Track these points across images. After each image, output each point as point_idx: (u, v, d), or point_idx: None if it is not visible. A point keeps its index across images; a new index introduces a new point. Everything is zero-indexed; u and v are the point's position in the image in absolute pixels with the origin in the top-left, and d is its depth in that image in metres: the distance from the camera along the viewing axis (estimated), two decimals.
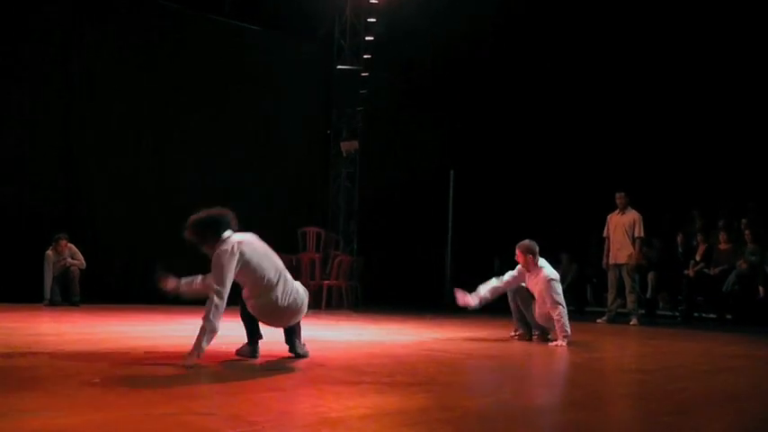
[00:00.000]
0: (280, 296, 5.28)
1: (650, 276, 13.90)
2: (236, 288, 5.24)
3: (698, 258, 13.58)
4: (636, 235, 11.67)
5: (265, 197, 14.33)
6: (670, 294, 14.37)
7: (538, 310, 7.62)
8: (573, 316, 13.75)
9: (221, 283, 5.00)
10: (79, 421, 3.05)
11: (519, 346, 7.28)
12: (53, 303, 11.40)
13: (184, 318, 9.27)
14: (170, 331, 7.51)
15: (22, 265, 11.61)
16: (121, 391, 3.85)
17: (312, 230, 13.77)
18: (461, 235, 16.52)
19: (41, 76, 12.45)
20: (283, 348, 5.52)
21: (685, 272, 13.51)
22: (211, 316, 4.88)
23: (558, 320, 7.34)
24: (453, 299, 7.63)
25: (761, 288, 12.39)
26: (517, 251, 7.64)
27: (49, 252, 11.59)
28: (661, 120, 15.90)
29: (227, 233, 5.30)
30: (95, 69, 12.95)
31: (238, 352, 5.48)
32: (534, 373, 5.51)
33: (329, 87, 15.64)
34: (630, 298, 11.70)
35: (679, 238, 14.57)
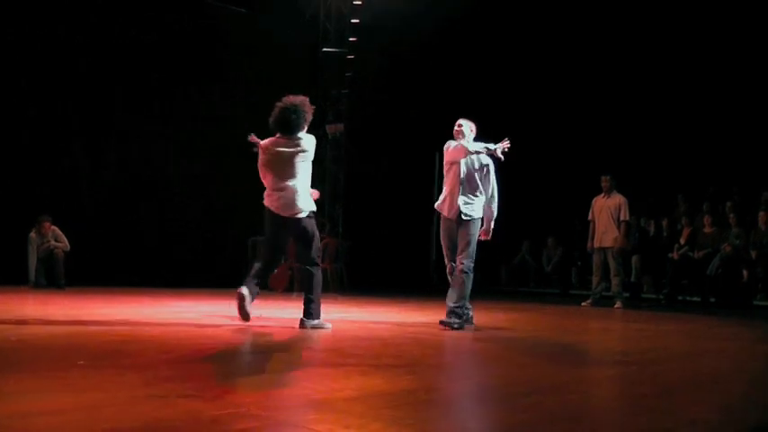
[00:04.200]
0: None
1: (634, 260, 13.96)
2: None
3: (682, 242, 13.64)
4: (621, 218, 11.69)
5: (250, 180, 14.28)
6: (654, 278, 14.44)
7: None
8: (558, 299, 13.89)
9: None
10: (64, 403, 3.05)
11: (503, 330, 7.30)
12: (38, 286, 11.36)
13: (170, 301, 9.28)
14: (156, 314, 7.50)
15: (5, 248, 11.57)
16: (107, 373, 3.85)
17: None
18: None
19: (24, 57, 12.41)
20: (264, 330, 5.50)
21: (670, 255, 13.57)
22: None
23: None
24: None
25: (744, 271, 12.47)
26: None
27: (32, 234, 11.54)
28: (646, 104, 15.94)
29: None
30: (80, 52, 12.91)
31: None
32: (518, 356, 5.52)
33: (315, 70, 15.59)
34: (615, 281, 11.74)
35: (664, 222, 14.64)
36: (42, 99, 12.57)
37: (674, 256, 13.47)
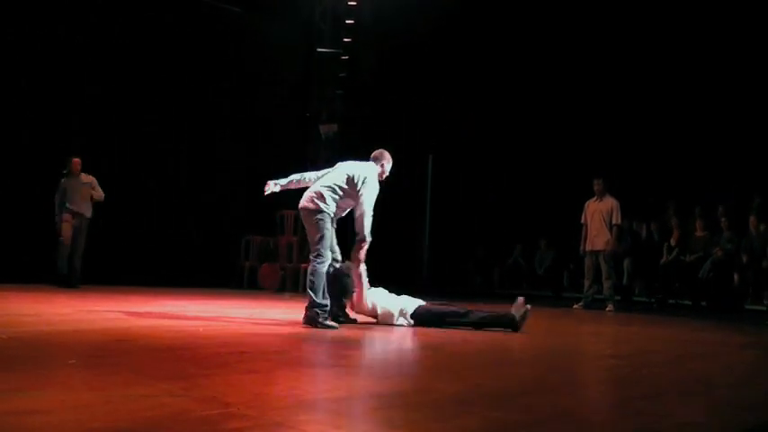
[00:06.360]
0: None
1: (626, 263, 13.99)
2: None
3: (672, 243, 13.67)
4: (613, 222, 11.73)
5: (243, 180, 14.32)
6: (646, 281, 14.47)
7: None
8: (550, 302, 13.89)
9: None
10: (54, 402, 3.04)
11: (495, 332, 7.30)
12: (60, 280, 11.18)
13: (163, 300, 9.27)
14: (148, 313, 7.48)
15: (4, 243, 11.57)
16: (98, 372, 3.84)
17: (290, 213, 13.74)
18: (439, 219, 16.55)
19: (24, 57, 12.41)
20: (255, 329, 5.50)
21: (662, 260, 13.61)
22: None
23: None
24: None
25: (735, 275, 12.52)
26: None
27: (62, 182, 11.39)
28: (639, 107, 15.94)
29: None
30: (80, 52, 12.93)
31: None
32: (509, 358, 5.53)
33: (309, 70, 15.61)
34: (607, 284, 11.78)
35: (653, 226, 14.66)
36: (42, 99, 12.54)
37: (665, 258, 13.53)
